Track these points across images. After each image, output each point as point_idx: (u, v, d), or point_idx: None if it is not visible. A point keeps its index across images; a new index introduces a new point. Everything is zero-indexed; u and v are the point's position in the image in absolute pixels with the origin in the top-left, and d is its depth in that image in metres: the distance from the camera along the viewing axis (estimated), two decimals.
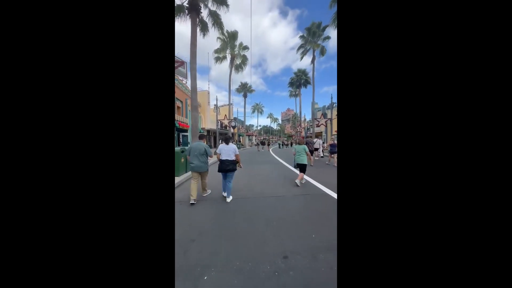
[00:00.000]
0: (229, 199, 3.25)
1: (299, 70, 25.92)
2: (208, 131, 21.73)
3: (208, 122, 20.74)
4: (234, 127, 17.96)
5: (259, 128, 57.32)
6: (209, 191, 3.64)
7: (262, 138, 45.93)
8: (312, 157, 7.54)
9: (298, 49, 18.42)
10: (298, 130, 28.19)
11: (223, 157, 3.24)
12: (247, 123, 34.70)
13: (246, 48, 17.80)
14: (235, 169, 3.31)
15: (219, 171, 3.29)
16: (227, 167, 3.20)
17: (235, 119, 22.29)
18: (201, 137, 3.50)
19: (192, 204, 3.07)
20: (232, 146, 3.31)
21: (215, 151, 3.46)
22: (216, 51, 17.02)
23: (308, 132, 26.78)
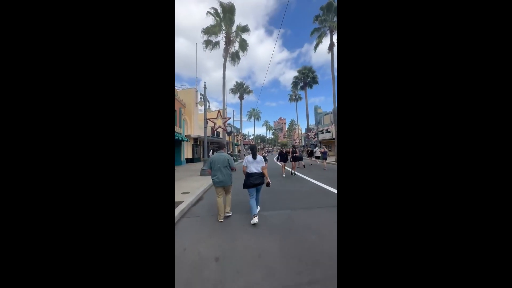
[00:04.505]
0: (257, 210, 2.92)
1: (305, 67, 22.13)
2: (196, 138, 16.88)
3: (196, 128, 15.87)
4: (229, 134, 13.29)
5: (252, 136, 52.85)
6: (230, 213, 3.06)
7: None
8: (295, 164, 8.21)
9: (312, 33, 14.57)
10: (310, 136, 23.90)
11: (251, 170, 2.84)
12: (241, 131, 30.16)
13: (245, 30, 13.50)
14: (263, 182, 2.93)
15: (246, 187, 2.86)
16: (256, 181, 2.81)
17: (229, 124, 17.75)
18: (220, 147, 3.18)
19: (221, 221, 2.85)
20: (260, 158, 2.92)
21: (242, 163, 3.08)
22: (206, 31, 12.50)
23: (314, 139, 22.74)
